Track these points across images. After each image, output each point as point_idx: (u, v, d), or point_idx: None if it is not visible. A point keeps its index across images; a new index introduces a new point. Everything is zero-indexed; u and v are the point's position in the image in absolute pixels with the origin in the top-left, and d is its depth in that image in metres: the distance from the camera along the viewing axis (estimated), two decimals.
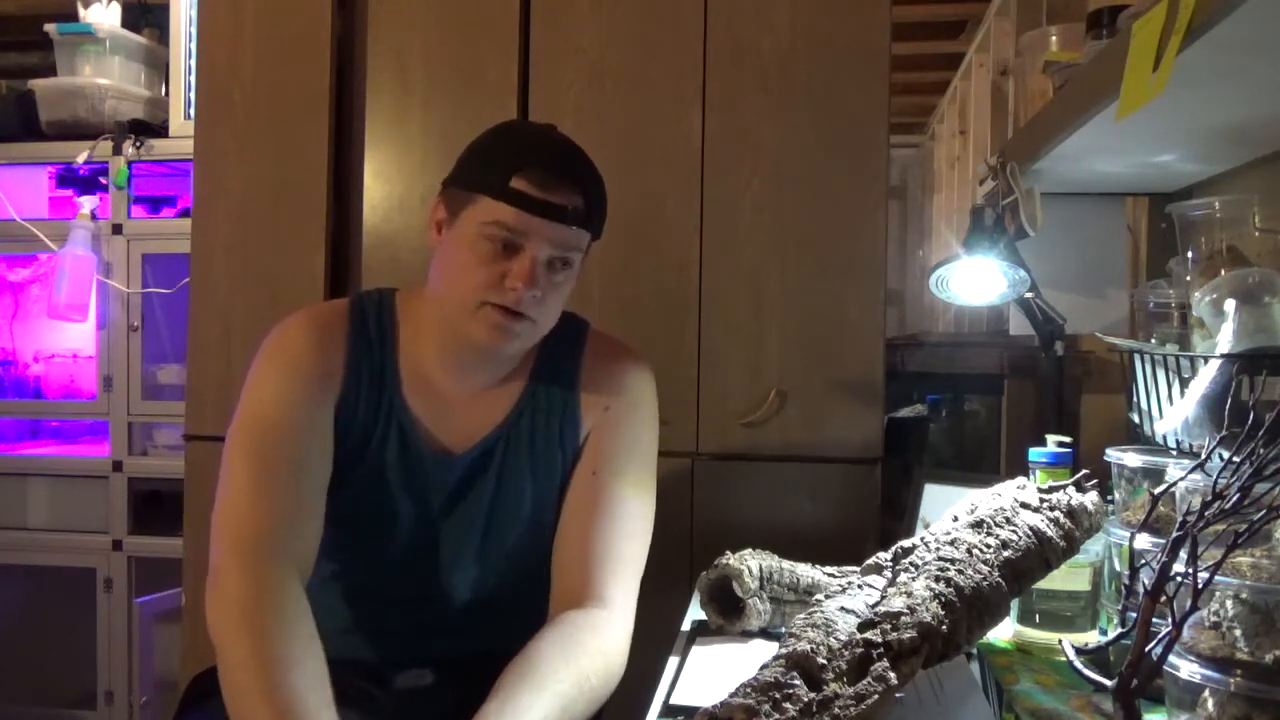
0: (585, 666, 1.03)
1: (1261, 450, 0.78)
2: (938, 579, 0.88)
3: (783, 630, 1.08)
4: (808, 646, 0.78)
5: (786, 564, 1.22)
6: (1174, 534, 0.77)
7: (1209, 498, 0.78)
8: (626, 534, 1.17)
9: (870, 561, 1.00)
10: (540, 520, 1.22)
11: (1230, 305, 1.01)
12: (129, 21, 2.69)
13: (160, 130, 2.56)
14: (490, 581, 1.23)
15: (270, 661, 0.96)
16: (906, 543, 0.99)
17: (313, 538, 1.11)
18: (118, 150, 2.52)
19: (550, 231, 1.10)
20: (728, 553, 1.21)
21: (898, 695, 0.77)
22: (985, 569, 0.92)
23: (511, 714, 0.94)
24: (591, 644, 1.06)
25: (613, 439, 1.21)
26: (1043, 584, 1.05)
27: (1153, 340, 1.21)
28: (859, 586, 0.93)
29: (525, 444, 1.21)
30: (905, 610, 0.83)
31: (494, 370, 1.21)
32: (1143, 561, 0.84)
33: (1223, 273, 1.06)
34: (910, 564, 0.94)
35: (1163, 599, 0.75)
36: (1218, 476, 0.79)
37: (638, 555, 1.18)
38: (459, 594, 1.22)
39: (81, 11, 2.61)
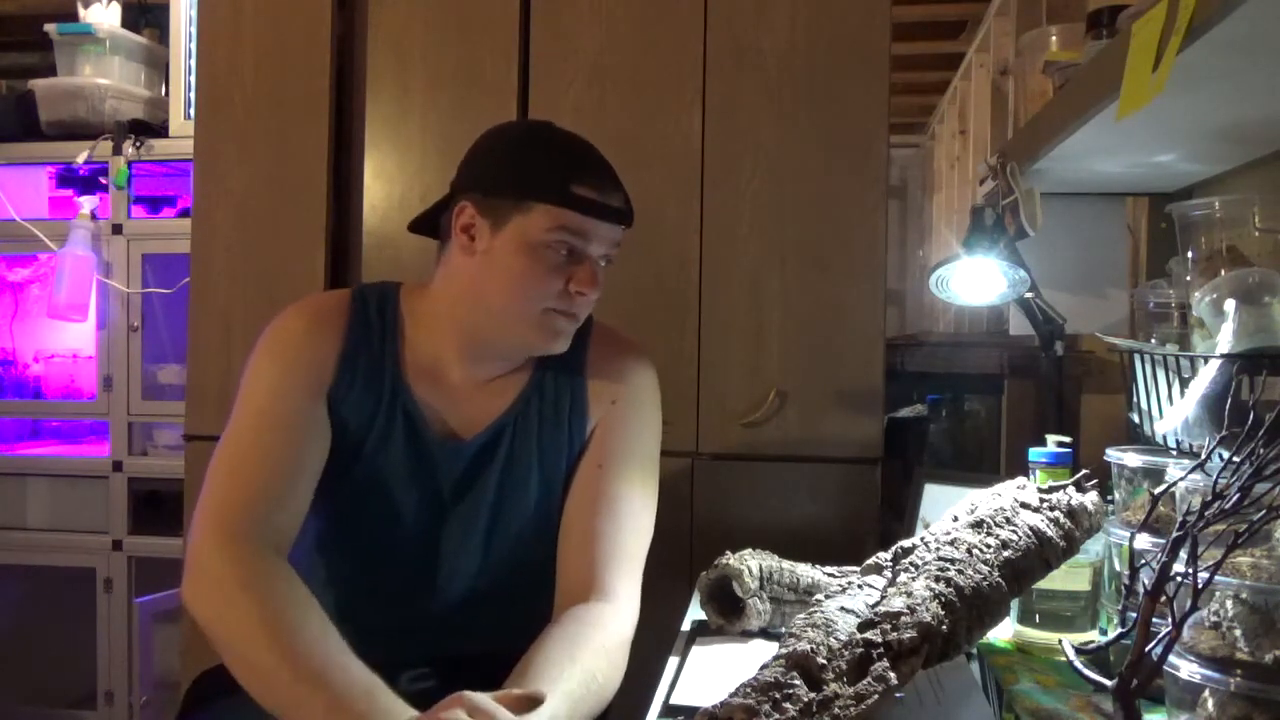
0: (591, 665, 1.03)
1: (1261, 450, 0.78)
2: (938, 579, 0.88)
3: (783, 630, 1.08)
4: (808, 646, 0.78)
5: (786, 564, 1.22)
6: (1174, 534, 0.77)
7: (1209, 498, 0.78)
8: (631, 528, 1.17)
9: (870, 561, 1.00)
10: (545, 509, 1.22)
11: (1230, 305, 1.01)
12: (129, 21, 2.69)
13: (160, 130, 2.56)
14: (494, 572, 1.23)
15: (275, 625, 0.96)
16: (906, 543, 0.99)
17: (291, 524, 1.11)
18: (118, 150, 2.52)
19: (610, 233, 1.15)
20: (728, 553, 1.21)
21: (898, 695, 0.77)
22: (985, 569, 0.92)
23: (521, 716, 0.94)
24: (597, 641, 1.06)
25: (619, 433, 1.23)
26: (1043, 584, 1.05)
27: (1153, 340, 1.21)
28: (859, 586, 0.93)
29: (533, 430, 1.22)
30: (905, 610, 0.83)
31: (512, 364, 1.23)
32: (1143, 561, 0.84)
33: (1223, 273, 1.06)
34: (910, 564, 0.94)
35: (1163, 599, 0.75)
36: (1218, 476, 0.79)
37: (642, 549, 1.19)
38: (464, 585, 1.23)
39: (81, 11, 2.61)
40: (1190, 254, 1.16)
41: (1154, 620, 0.76)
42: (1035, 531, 1.00)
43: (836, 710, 0.74)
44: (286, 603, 1.00)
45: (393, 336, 1.21)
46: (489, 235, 1.14)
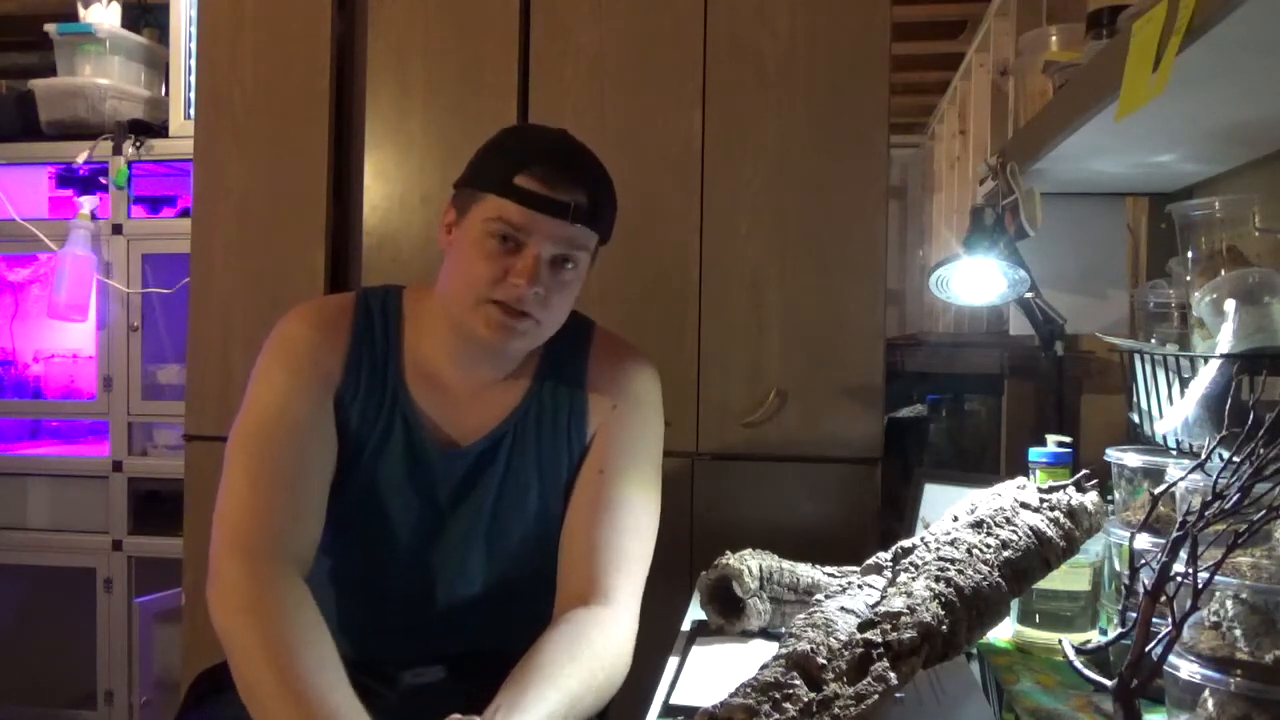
0: (592, 664, 1.03)
1: (1261, 450, 0.78)
2: (938, 579, 0.88)
3: (783, 630, 1.08)
4: (808, 646, 0.78)
5: (786, 564, 1.22)
6: (1174, 534, 0.77)
7: (1209, 498, 0.78)
8: (632, 532, 1.17)
9: (870, 561, 1.00)
10: (546, 516, 1.22)
11: (1230, 305, 1.01)
12: (129, 21, 2.69)
13: (160, 130, 2.56)
14: (496, 577, 1.23)
15: (278, 648, 0.97)
16: (906, 543, 0.99)
17: (311, 534, 1.11)
18: (118, 150, 2.51)
19: (553, 228, 1.11)
20: (728, 553, 1.21)
21: (898, 695, 0.77)
22: (985, 569, 0.92)
23: (519, 710, 0.95)
24: (598, 642, 1.06)
25: (620, 438, 1.22)
26: (1043, 584, 1.05)
27: (1153, 340, 1.21)
28: (859, 586, 0.93)
29: (532, 439, 1.22)
30: (905, 610, 0.83)
31: (501, 366, 1.22)
32: (1143, 561, 0.84)
33: (1223, 273, 1.06)
34: (910, 564, 0.94)
35: (1163, 599, 0.75)
36: (1218, 476, 0.79)
37: (643, 553, 1.18)
38: (465, 590, 1.23)
39: (81, 11, 2.61)
40: (1190, 254, 1.16)
41: (1154, 620, 0.76)
42: (1035, 531, 1.00)
43: (836, 710, 0.74)
44: (292, 626, 1.00)
45: (395, 341, 1.21)
46: (456, 226, 1.16)
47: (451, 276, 1.15)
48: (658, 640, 1.16)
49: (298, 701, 0.93)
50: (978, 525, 0.99)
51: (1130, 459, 1.10)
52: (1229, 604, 0.82)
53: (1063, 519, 1.05)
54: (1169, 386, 1.09)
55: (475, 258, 1.11)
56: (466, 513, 1.21)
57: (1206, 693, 0.79)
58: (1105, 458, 1.14)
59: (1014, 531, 0.99)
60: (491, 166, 1.13)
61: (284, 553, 1.06)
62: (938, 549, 0.94)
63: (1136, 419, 1.20)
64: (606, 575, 1.13)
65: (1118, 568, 1.08)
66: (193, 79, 2.26)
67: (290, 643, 0.98)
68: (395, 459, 1.19)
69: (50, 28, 2.60)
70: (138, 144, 2.52)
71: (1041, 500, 1.07)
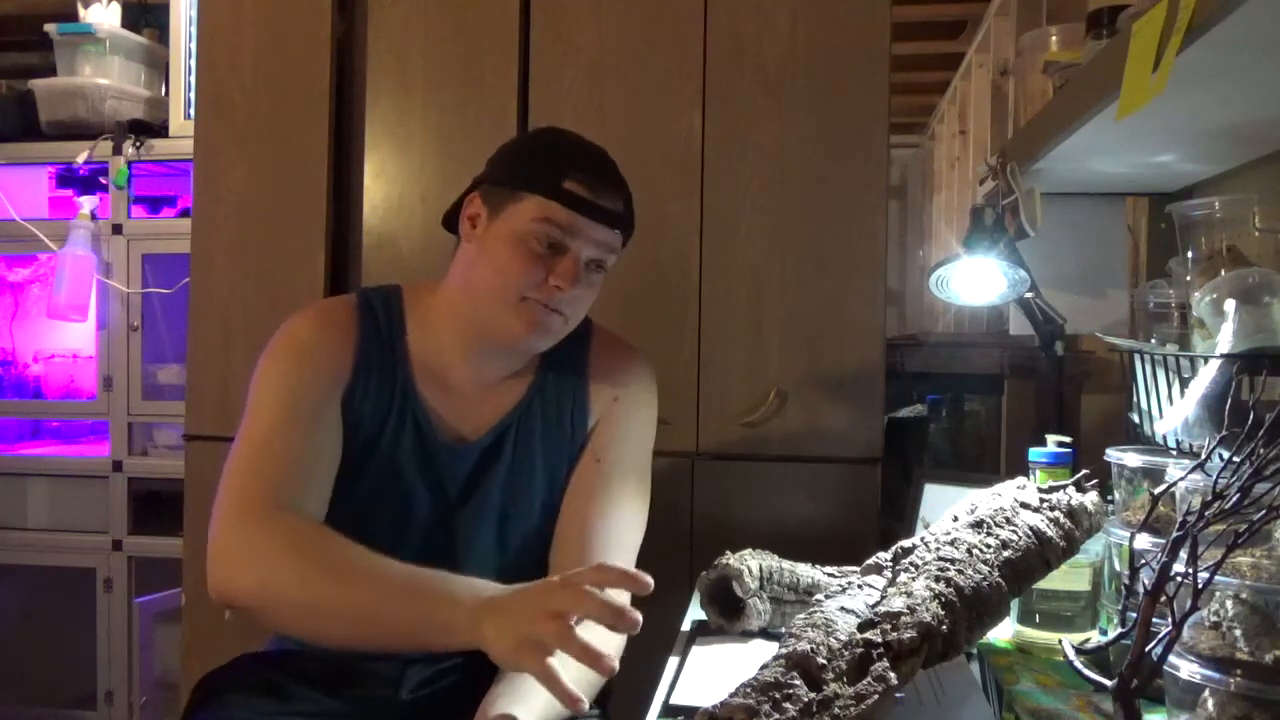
0: (588, 638, 1.04)
1: (1261, 450, 0.78)
2: (938, 579, 0.88)
3: (783, 630, 1.08)
4: (808, 646, 0.78)
5: (786, 564, 1.22)
6: (1174, 534, 0.77)
7: (1209, 498, 0.78)
8: (626, 521, 1.19)
9: (870, 561, 1.00)
10: (552, 509, 1.23)
11: (1230, 305, 1.01)
12: (129, 21, 2.69)
13: (160, 130, 2.55)
14: (506, 571, 1.23)
15: (322, 559, 1.00)
16: (906, 543, 0.99)
17: (316, 508, 1.11)
18: (118, 150, 2.51)
19: (596, 233, 1.14)
20: (728, 553, 1.21)
21: (898, 695, 0.77)
22: (985, 569, 0.92)
23: (520, 691, 0.96)
24: (592, 625, 1.07)
25: (619, 428, 1.25)
26: (1043, 584, 1.05)
27: (1153, 340, 1.21)
28: (859, 586, 0.93)
29: (537, 431, 1.23)
30: (905, 610, 0.83)
31: (512, 363, 1.23)
32: (1143, 561, 0.84)
33: (1223, 273, 1.06)
34: (910, 564, 0.94)
35: (1163, 599, 0.75)
36: (1218, 476, 0.79)
37: (634, 541, 1.21)
38: None
39: (81, 11, 2.61)
40: (1190, 254, 1.15)
41: (1154, 620, 0.76)
42: (1035, 531, 1.00)
43: (836, 710, 0.74)
44: (325, 539, 1.03)
45: (400, 338, 1.22)
46: (486, 223, 1.16)
47: (481, 272, 1.16)
48: (658, 640, 1.16)
49: (375, 586, 0.98)
50: (978, 525, 0.99)
51: (1130, 459, 1.10)
52: (1229, 604, 0.82)
53: (1063, 519, 1.05)
54: (1169, 386, 1.09)
55: (514, 257, 1.13)
56: (475, 507, 1.22)
57: (1206, 693, 0.79)
58: (1105, 458, 1.14)
59: (1014, 531, 0.99)
60: (536, 168, 1.15)
61: (289, 509, 1.06)
62: (938, 549, 0.94)
63: (1136, 419, 1.20)
64: (601, 561, 1.14)
65: (1118, 568, 1.08)
66: (193, 79, 2.26)
67: (331, 550, 1.01)
68: (406, 456, 1.19)
69: (50, 28, 2.60)
70: (138, 144, 2.51)
71: (1041, 500, 1.07)
